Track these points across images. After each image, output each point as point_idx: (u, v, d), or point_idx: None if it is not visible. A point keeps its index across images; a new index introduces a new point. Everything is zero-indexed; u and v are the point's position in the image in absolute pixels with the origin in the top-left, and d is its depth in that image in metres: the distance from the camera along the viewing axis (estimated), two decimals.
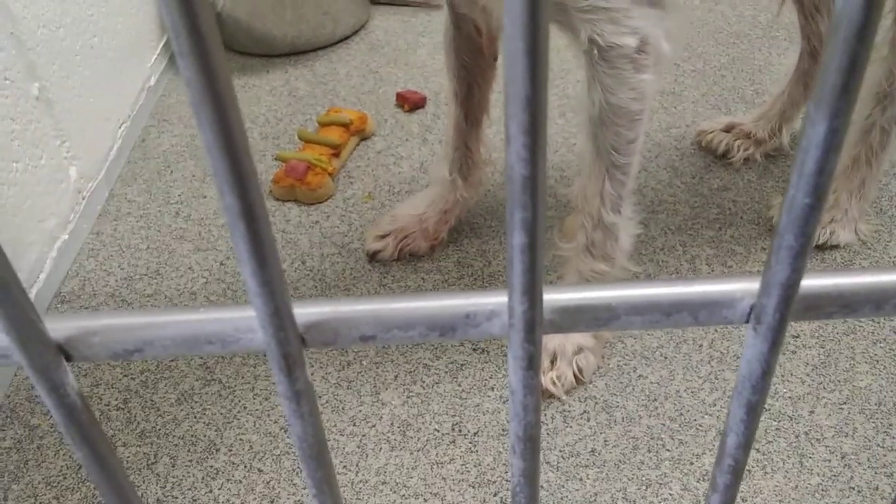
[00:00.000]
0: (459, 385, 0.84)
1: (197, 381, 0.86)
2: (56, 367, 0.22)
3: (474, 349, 0.87)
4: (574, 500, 0.73)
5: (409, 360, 0.87)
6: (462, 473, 0.76)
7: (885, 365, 0.82)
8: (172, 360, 0.89)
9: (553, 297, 0.23)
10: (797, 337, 0.87)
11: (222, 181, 0.18)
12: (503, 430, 0.79)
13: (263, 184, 1.14)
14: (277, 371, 0.23)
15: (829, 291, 0.23)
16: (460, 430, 0.79)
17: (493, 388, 0.83)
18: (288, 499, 0.75)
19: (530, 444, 0.25)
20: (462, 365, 0.86)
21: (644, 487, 0.73)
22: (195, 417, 0.83)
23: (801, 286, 0.22)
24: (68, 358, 0.23)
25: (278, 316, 0.21)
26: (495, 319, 0.23)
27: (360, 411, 0.82)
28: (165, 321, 0.23)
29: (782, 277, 0.21)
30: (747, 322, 0.23)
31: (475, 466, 0.76)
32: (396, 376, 0.85)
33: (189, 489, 0.76)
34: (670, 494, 0.73)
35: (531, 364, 0.23)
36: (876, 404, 0.79)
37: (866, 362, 0.82)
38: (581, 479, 0.74)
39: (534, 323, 0.22)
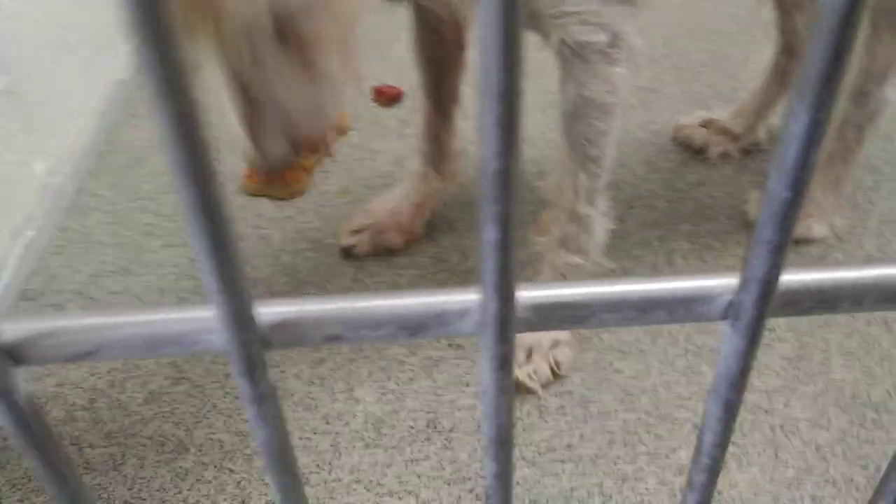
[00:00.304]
0: (434, 381, 0.83)
1: (166, 379, 0.85)
2: (3, 371, 0.21)
3: (450, 345, 0.87)
4: (550, 495, 0.72)
5: (383, 357, 0.86)
6: (437, 470, 0.75)
7: (859, 357, 0.83)
8: (140, 360, 0.88)
9: (526, 295, 0.22)
10: (772, 330, 0.87)
11: (178, 173, 0.17)
12: (479, 426, 0.78)
13: (236, 178, 1.12)
14: (239, 374, 0.22)
15: (808, 287, 0.22)
16: (435, 427, 0.79)
17: (468, 385, 0.83)
18: (259, 499, 0.73)
19: (503, 446, 0.25)
20: (437, 361, 0.85)
21: (621, 482, 0.73)
22: (164, 417, 0.81)
23: (780, 282, 0.21)
24: (19, 361, 0.22)
25: (239, 316, 0.20)
26: (467, 318, 0.22)
27: (334, 409, 0.81)
28: (122, 322, 0.21)
29: (761, 273, 0.20)
30: (725, 318, 0.22)
31: (450, 463, 0.75)
32: (370, 373, 0.84)
33: (158, 490, 0.74)
34: (646, 489, 0.72)
35: (504, 364, 0.22)
36: (850, 397, 0.79)
37: (841, 355, 0.83)
38: (557, 475, 0.74)
39: (507, 321, 0.21)
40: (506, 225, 0.19)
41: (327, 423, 0.80)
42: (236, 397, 0.82)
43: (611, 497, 0.72)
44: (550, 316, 0.22)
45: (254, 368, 0.21)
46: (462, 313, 0.22)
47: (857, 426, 0.76)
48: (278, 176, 1.06)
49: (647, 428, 0.77)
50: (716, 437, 0.24)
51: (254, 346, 0.21)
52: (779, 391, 0.80)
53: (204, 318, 0.21)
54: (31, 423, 0.22)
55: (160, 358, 0.87)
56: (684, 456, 0.74)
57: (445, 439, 0.77)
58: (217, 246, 0.19)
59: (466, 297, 0.22)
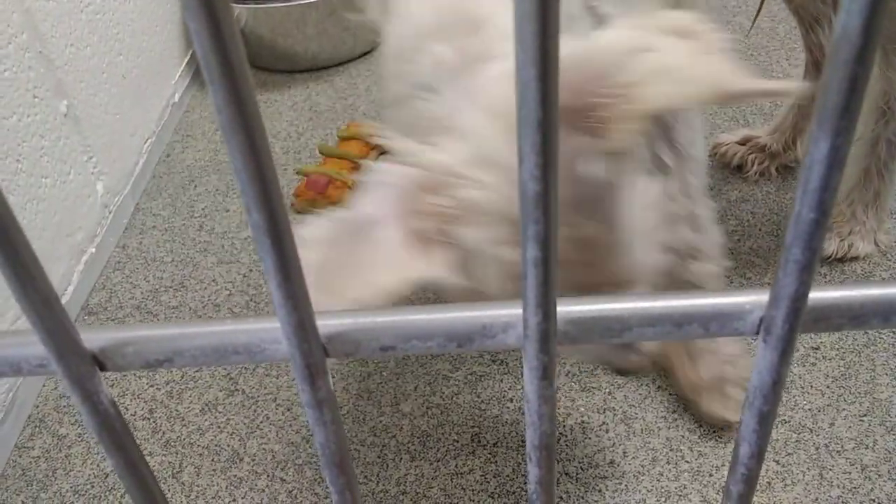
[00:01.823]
0: (478, 396, 0.84)
1: (221, 391, 0.88)
2: (91, 376, 0.23)
3: (493, 360, 0.88)
4: None
5: (428, 372, 0.87)
6: (482, 483, 0.76)
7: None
8: (197, 371, 0.91)
9: (566, 310, 0.23)
10: (817, 349, 0.86)
11: (250, 200, 0.19)
12: (522, 440, 0.79)
13: (285, 197, 1.16)
14: (301, 380, 0.23)
15: (838, 304, 0.23)
16: (479, 441, 0.80)
17: (511, 400, 0.84)
18: None
19: (546, 453, 0.26)
20: (481, 376, 0.86)
21: (663, 499, 0.73)
22: (219, 427, 0.84)
23: (810, 298, 0.22)
24: (102, 367, 0.24)
25: (302, 327, 0.22)
26: (511, 331, 0.24)
27: (381, 422, 0.83)
28: (194, 332, 0.23)
29: (790, 290, 0.21)
30: (757, 334, 0.23)
31: (494, 476, 0.77)
32: (416, 387, 0.86)
33: (213, 498, 0.77)
34: None
35: (546, 374, 0.24)
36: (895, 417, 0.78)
37: (887, 374, 0.82)
38: (600, 491, 0.74)
39: (548, 334, 0.23)
40: (545, 244, 0.21)
41: (374, 435, 0.81)
42: (287, 409, 0.85)
43: None
44: (589, 329, 0.24)
45: (315, 375, 0.23)
46: (506, 326, 0.23)
47: None
48: (322, 193, 1.10)
49: (690, 445, 0.77)
50: (751, 448, 0.25)
51: (315, 354, 0.23)
52: (823, 410, 0.79)
53: (269, 328, 0.23)
54: (113, 424, 0.24)
55: (223, 368, 0.90)
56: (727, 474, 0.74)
57: (489, 453, 0.79)
58: (283, 263, 0.21)
59: (510, 312, 0.23)
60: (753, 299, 0.23)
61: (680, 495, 0.73)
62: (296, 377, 0.23)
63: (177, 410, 0.86)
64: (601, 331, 0.24)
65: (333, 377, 0.88)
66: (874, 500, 0.71)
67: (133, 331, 0.24)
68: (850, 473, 0.73)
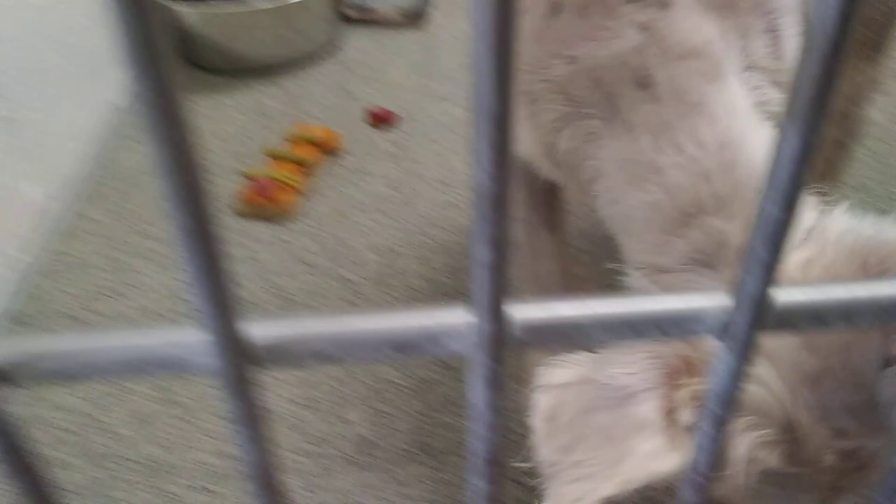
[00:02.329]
0: (427, 403, 0.83)
1: (155, 402, 0.84)
2: None
3: (443, 366, 0.86)
4: None
5: (375, 379, 0.85)
6: (429, 493, 0.74)
7: None
8: (129, 383, 0.87)
9: (519, 314, 0.22)
10: None
11: (170, 196, 0.17)
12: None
13: (230, 201, 1.12)
14: (229, 394, 0.21)
15: (802, 305, 0.22)
16: (427, 450, 0.78)
17: (461, 406, 0.82)
18: None
19: (494, 468, 0.24)
20: (430, 383, 0.85)
21: None
22: (153, 440, 0.80)
23: (772, 299, 0.21)
24: (7, 381, 0.22)
25: (229, 337, 0.20)
26: (460, 338, 0.22)
27: (323, 430, 0.80)
28: (110, 345, 0.21)
29: (754, 291, 0.20)
30: (718, 338, 0.22)
31: (443, 485, 0.75)
32: (361, 395, 0.84)
33: None
34: None
35: (496, 384, 0.22)
36: None
37: None
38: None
39: (499, 341, 0.21)
40: (499, 246, 0.19)
41: (317, 445, 0.79)
42: (226, 420, 0.82)
43: None
44: (543, 335, 0.22)
45: (243, 389, 0.21)
46: (454, 333, 0.22)
47: None
48: (269, 197, 1.07)
49: None
50: (708, 456, 0.24)
51: (243, 366, 0.21)
52: None
53: (194, 339, 0.21)
54: (15, 445, 0.22)
55: (149, 380, 0.86)
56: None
57: (438, 462, 0.77)
58: (207, 266, 0.19)
59: (458, 318, 0.22)
60: (714, 302, 0.22)
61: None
62: (223, 392, 0.21)
63: (107, 423, 0.82)
64: (556, 337, 0.23)
65: (274, 385, 0.85)
66: None
67: (42, 342, 0.22)
68: None
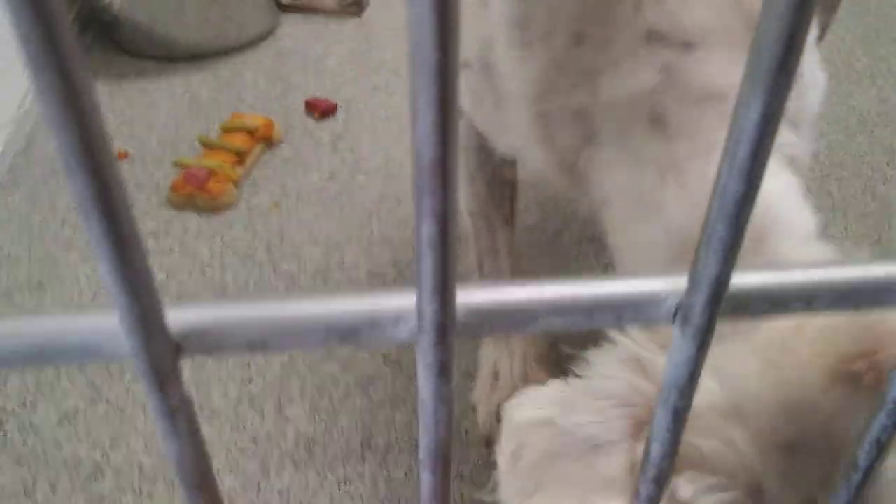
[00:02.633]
0: (370, 399, 0.81)
1: (81, 400, 0.80)
2: None
3: (386, 361, 0.84)
4: None
5: (315, 374, 0.83)
6: (372, 490, 0.73)
7: None
8: (54, 379, 0.82)
9: (466, 299, 0.21)
10: None
11: (69, 159, 0.15)
12: (415, 444, 0.76)
13: (161, 191, 1.08)
14: (147, 385, 0.19)
15: (759, 289, 0.21)
16: (370, 446, 0.76)
17: (404, 401, 0.81)
18: None
19: (442, 461, 0.23)
20: (372, 378, 0.83)
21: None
22: (79, 439, 0.76)
23: (729, 284, 0.20)
24: None
25: (147, 320, 0.18)
26: (402, 324, 0.20)
27: (263, 428, 0.78)
28: (21, 331, 0.19)
29: (712, 272, 0.19)
30: (673, 322, 0.21)
31: (386, 483, 0.73)
32: (302, 391, 0.81)
33: None
34: None
35: (443, 372, 0.21)
36: None
37: None
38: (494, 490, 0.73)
39: (445, 326, 0.20)
40: (444, 219, 0.17)
41: (255, 443, 0.76)
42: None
43: None
44: (492, 320, 0.21)
45: (165, 379, 0.19)
46: (397, 318, 0.20)
47: None
48: (202, 187, 1.03)
49: None
50: (664, 448, 0.23)
51: (165, 354, 0.19)
52: None
53: (109, 324, 0.19)
54: None
55: (75, 377, 0.82)
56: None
57: (381, 458, 0.75)
58: (116, 240, 0.17)
59: (402, 301, 0.20)
60: (670, 285, 0.21)
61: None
62: (143, 382, 0.19)
63: (31, 422, 0.78)
64: (505, 322, 0.21)
65: (209, 381, 0.82)
66: None
67: None
68: None
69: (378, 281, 0.95)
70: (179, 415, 0.20)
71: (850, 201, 1.06)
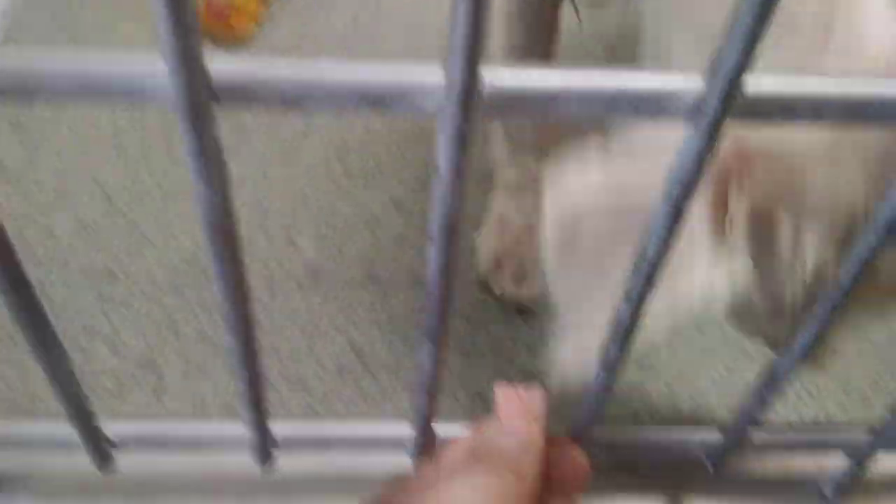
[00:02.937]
0: (376, 237, 0.83)
1: (97, 211, 0.82)
2: None
3: (392, 204, 0.86)
4: (480, 347, 0.75)
5: (326, 212, 0.85)
6: (371, 316, 0.76)
7: None
8: (73, 188, 0.84)
9: (493, 77, 0.21)
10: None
11: None
12: (416, 280, 0.79)
13: None
14: (184, 124, 0.21)
15: (772, 92, 0.22)
16: (373, 278, 0.79)
17: (407, 240, 0.83)
18: (188, 327, 0.74)
19: (451, 235, 0.24)
20: (380, 218, 0.85)
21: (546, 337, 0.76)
22: (95, 248, 0.79)
23: (745, 83, 0.21)
24: None
25: (189, 63, 0.19)
26: (429, 96, 0.21)
27: (272, 254, 0.81)
28: (66, 66, 0.20)
29: (731, 63, 0.20)
30: (688, 118, 0.22)
31: (385, 311, 0.77)
32: (313, 222, 0.84)
33: (78, 313, 0.74)
34: None
35: (464, 144, 0.22)
36: None
37: None
38: (488, 330, 0.76)
39: (470, 98, 0.21)
40: None
41: (264, 266, 0.79)
42: (171, 234, 0.81)
43: (536, 351, 0.75)
44: (516, 102, 0.22)
45: (200, 119, 0.20)
46: (424, 87, 0.21)
47: None
48: (224, 21, 1.01)
49: None
50: (659, 244, 0.25)
51: (202, 92, 0.20)
52: None
53: (152, 66, 0.20)
54: None
55: (97, 187, 0.83)
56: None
57: (382, 290, 0.78)
58: None
59: (431, 75, 0.21)
60: (689, 83, 0.22)
61: None
62: (179, 120, 0.20)
63: (48, 228, 0.80)
64: (529, 105, 0.22)
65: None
66: (744, 351, 0.77)
67: None
68: (723, 326, 0.78)
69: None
70: (210, 156, 0.22)
71: None
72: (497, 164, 0.80)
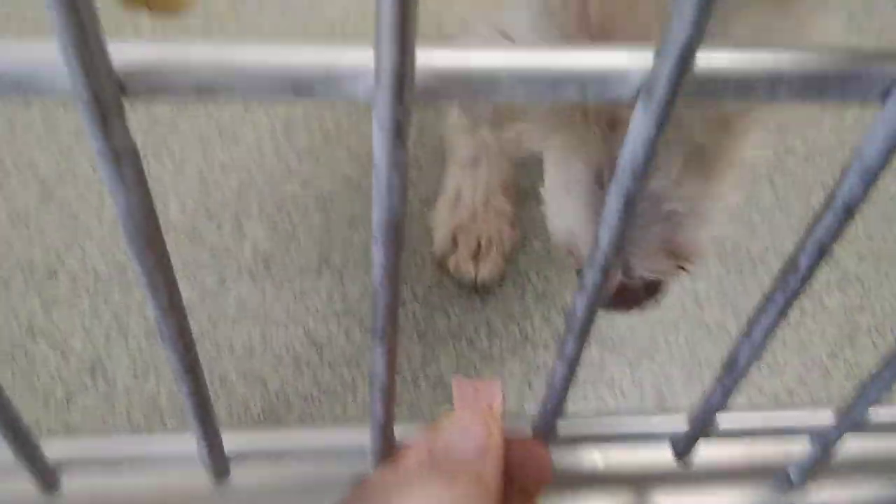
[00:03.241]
0: (328, 218, 0.81)
1: (32, 199, 0.79)
2: None
3: (345, 181, 0.84)
4: (438, 329, 0.74)
5: (275, 191, 0.83)
6: (327, 304, 0.74)
7: (742, 212, 0.86)
8: (3, 178, 0.80)
9: (427, 57, 0.20)
10: None
11: None
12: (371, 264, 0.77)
13: None
14: (89, 122, 0.19)
15: (724, 69, 0.21)
16: (328, 263, 0.77)
17: (362, 221, 0.81)
18: (138, 328, 0.71)
19: (394, 232, 0.23)
20: (332, 198, 0.83)
21: (507, 320, 0.75)
22: (31, 241, 0.76)
23: (696, 59, 0.20)
24: None
25: (88, 51, 0.17)
26: (360, 79, 0.20)
27: (221, 242, 0.78)
28: None
29: (681, 38, 0.19)
30: (637, 98, 0.21)
31: (341, 298, 0.75)
32: (261, 208, 0.81)
33: (26, 318, 0.71)
34: (531, 326, 0.75)
35: (398, 134, 0.20)
36: (730, 248, 0.83)
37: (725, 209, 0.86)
38: (446, 311, 0.75)
39: (403, 81, 0.19)
40: None
41: (213, 257, 0.77)
42: (114, 226, 0.78)
43: (496, 333, 0.74)
44: (452, 84, 0.20)
45: (108, 118, 0.19)
46: (355, 73, 0.19)
47: (733, 276, 0.81)
48: None
49: (537, 270, 0.79)
50: (612, 234, 0.24)
51: (107, 88, 0.18)
52: None
53: (46, 50, 0.18)
54: None
55: (31, 173, 0.80)
56: (569, 298, 0.77)
57: (337, 275, 0.77)
58: None
59: (362, 57, 0.19)
60: (638, 61, 0.21)
61: (523, 316, 0.75)
62: (82, 117, 0.18)
63: None
64: (467, 87, 0.21)
65: (165, 194, 0.80)
66: (703, 325, 0.77)
67: None
68: (682, 300, 0.78)
69: None
70: (125, 160, 0.20)
71: None
72: (451, 138, 0.79)
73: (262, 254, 0.77)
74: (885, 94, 0.21)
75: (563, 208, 0.45)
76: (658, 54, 0.19)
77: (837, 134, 0.92)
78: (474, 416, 0.26)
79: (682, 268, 0.47)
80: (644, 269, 0.45)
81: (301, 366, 0.70)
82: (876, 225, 0.84)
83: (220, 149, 0.85)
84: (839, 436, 0.28)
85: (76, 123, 0.85)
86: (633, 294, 0.48)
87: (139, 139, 0.77)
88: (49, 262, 0.75)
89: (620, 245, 0.25)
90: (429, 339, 0.73)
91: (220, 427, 0.28)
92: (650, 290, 0.49)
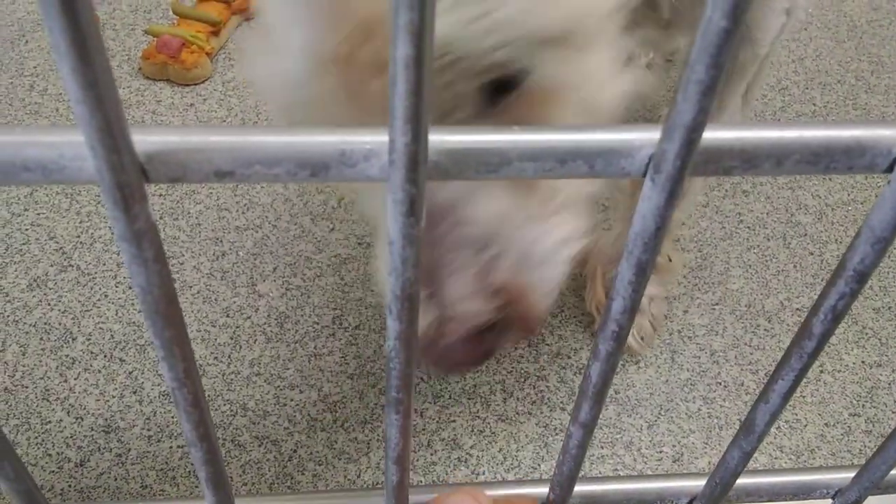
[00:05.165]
0: (342, 279, 0.81)
1: (52, 266, 0.80)
2: None
3: (359, 243, 0.85)
4: (453, 391, 0.73)
5: (289, 253, 0.83)
6: (341, 365, 0.74)
7: (756, 269, 0.86)
8: (24, 244, 0.82)
9: (439, 138, 0.20)
10: (677, 241, 0.89)
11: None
12: (385, 324, 0.77)
13: (133, 60, 1.04)
14: (112, 206, 0.19)
15: (731, 145, 0.21)
16: (340, 323, 0.78)
17: (375, 283, 0.82)
18: (153, 389, 0.71)
19: (408, 304, 0.23)
20: (345, 259, 0.83)
21: (522, 380, 0.74)
22: (49, 305, 0.76)
23: (703, 138, 0.20)
24: None
25: (110, 135, 0.18)
26: (374, 160, 0.20)
27: (235, 302, 0.78)
28: None
29: (688, 118, 0.19)
30: (645, 174, 0.21)
31: (354, 358, 0.75)
32: (275, 268, 0.82)
33: (41, 378, 0.71)
34: (547, 386, 0.74)
35: (413, 210, 0.20)
36: (745, 306, 0.83)
37: (740, 267, 0.86)
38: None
39: (417, 159, 0.19)
40: (421, 38, 0.17)
41: (227, 316, 0.77)
42: (129, 287, 0.78)
43: (512, 394, 0.73)
44: (464, 162, 0.21)
45: (130, 199, 0.19)
46: (368, 154, 0.20)
47: (749, 333, 0.80)
48: (174, 56, 0.99)
49: (552, 329, 0.79)
50: (625, 303, 0.24)
51: (129, 172, 0.18)
52: (679, 299, 0.82)
53: (72, 141, 0.19)
54: None
55: (54, 242, 0.81)
56: (585, 357, 0.76)
57: (350, 335, 0.77)
58: (79, 39, 0.16)
59: (374, 138, 0.20)
60: (644, 136, 0.21)
61: (538, 376, 0.75)
62: (105, 203, 0.19)
63: (0, 286, 0.78)
64: (477, 164, 0.21)
65: (182, 254, 0.82)
66: (720, 383, 0.76)
67: None
68: (699, 358, 0.78)
69: None
70: (144, 239, 0.20)
71: (831, 108, 1.06)
72: None
73: (277, 314, 0.78)
74: (892, 165, 0.21)
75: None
76: (665, 132, 0.20)
77: (848, 190, 0.92)
78: None
79: (507, 310, 0.43)
80: (462, 310, 0.42)
81: (315, 428, 0.70)
82: (891, 278, 0.84)
83: (235, 211, 0.86)
84: (861, 498, 0.27)
85: (96, 189, 0.87)
86: (452, 349, 0.43)
87: (156, 202, 0.78)
88: (65, 323, 0.75)
89: (635, 313, 0.25)
90: (444, 401, 0.72)
91: (235, 497, 0.28)
92: (476, 348, 0.44)
